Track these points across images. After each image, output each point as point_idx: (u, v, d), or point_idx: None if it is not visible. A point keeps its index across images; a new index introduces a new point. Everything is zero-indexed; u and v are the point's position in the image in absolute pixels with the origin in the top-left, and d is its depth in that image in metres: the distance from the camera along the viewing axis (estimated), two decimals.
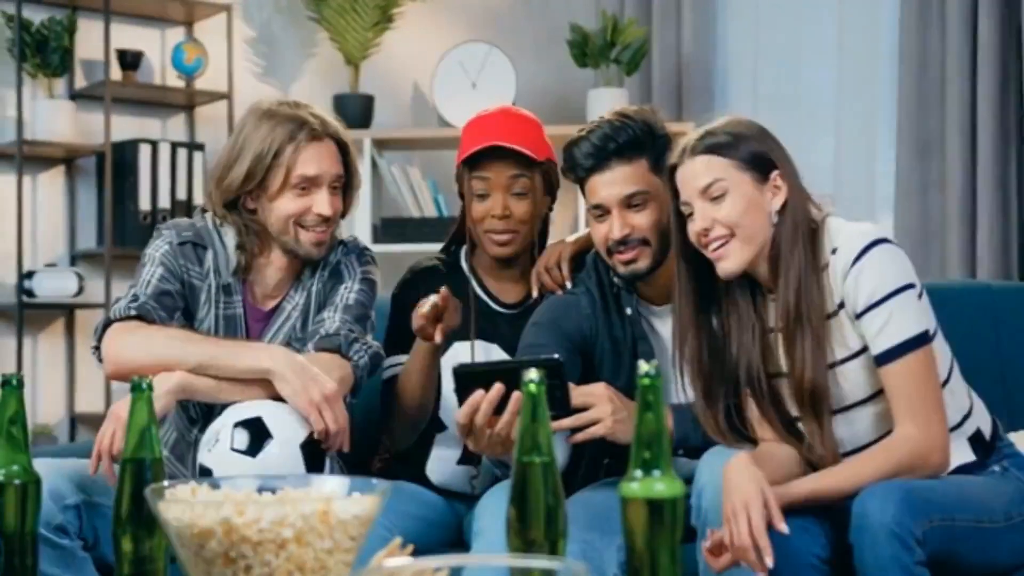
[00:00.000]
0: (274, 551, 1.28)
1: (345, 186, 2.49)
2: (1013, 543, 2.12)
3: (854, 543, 2.02)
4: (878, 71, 4.56)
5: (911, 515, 1.99)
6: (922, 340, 2.12)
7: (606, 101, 4.46)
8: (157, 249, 2.43)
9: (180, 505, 1.31)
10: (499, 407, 2.04)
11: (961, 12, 4.20)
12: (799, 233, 2.16)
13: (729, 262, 2.17)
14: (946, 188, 4.24)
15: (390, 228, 4.56)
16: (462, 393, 2.05)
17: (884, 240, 2.16)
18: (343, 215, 2.50)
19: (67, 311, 4.40)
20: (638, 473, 1.28)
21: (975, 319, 2.76)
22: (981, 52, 4.17)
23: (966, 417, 2.25)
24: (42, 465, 2.18)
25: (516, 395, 2.01)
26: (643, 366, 1.30)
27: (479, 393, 2.04)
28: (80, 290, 4.24)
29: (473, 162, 2.52)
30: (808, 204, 2.22)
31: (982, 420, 2.28)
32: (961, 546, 2.06)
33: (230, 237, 2.46)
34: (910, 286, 2.14)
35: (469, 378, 2.06)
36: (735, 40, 4.93)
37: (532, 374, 1.36)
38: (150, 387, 1.55)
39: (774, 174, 2.18)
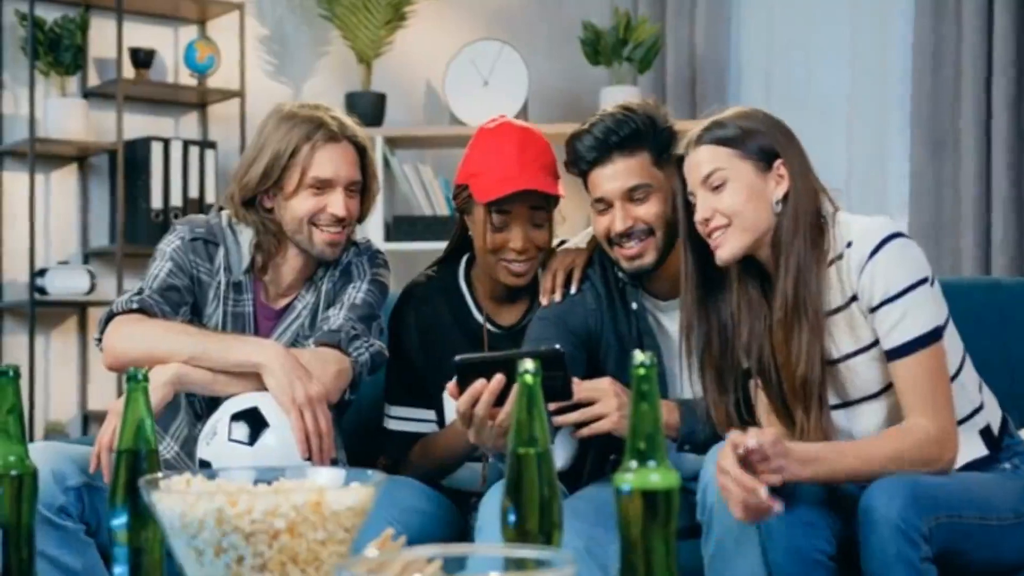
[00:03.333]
0: (267, 542, 1.27)
1: (363, 190, 2.49)
2: (1022, 541, 2.10)
3: (860, 539, 2.01)
4: (892, 68, 4.54)
5: (917, 511, 1.97)
6: (934, 336, 2.11)
7: (619, 99, 4.40)
8: (169, 244, 2.46)
9: (173, 496, 1.30)
10: (500, 398, 2.04)
11: (976, 8, 4.18)
12: (801, 224, 2.15)
13: (725, 249, 2.17)
14: (960, 185, 4.22)
15: (402, 226, 4.56)
16: (463, 384, 2.05)
17: (899, 234, 2.14)
18: (360, 219, 2.51)
19: (79, 309, 4.41)
20: (633, 464, 1.27)
21: (985, 315, 2.73)
22: (996, 48, 4.15)
23: (977, 410, 2.23)
24: (44, 447, 2.22)
25: (517, 386, 2.00)
26: (638, 356, 1.28)
27: (480, 383, 2.03)
28: (92, 288, 4.25)
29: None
30: (820, 196, 2.20)
31: (992, 415, 2.26)
32: (968, 543, 2.04)
33: (245, 236, 2.47)
34: (924, 280, 2.13)
35: (470, 369, 2.05)
36: (748, 38, 4.91)
37: (528, 364, 1.35)
38: (146, 378, 1.54)
39: (777, 163, 2.17)
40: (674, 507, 1.27)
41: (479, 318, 2.60)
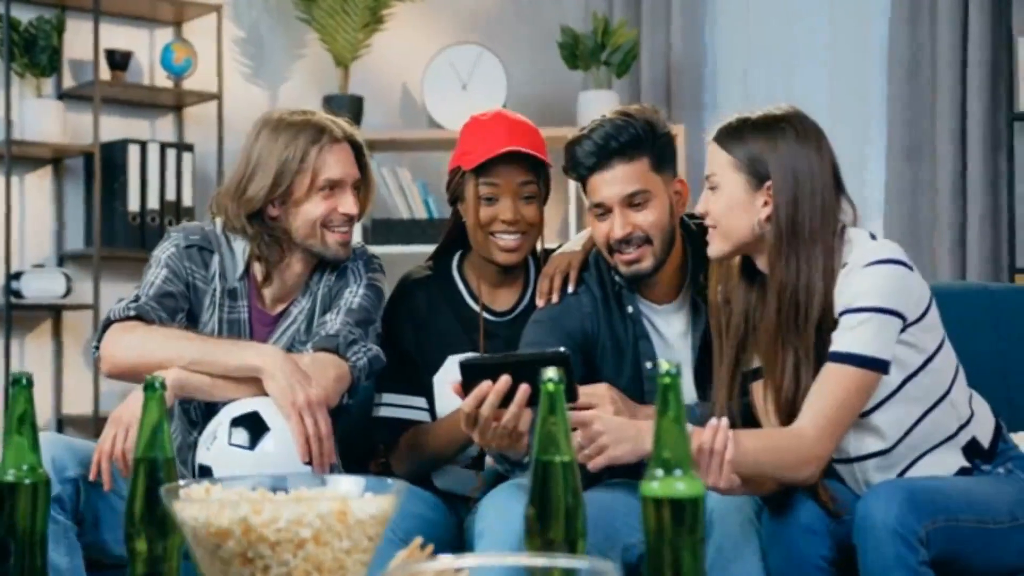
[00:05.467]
0: (292, 551, 1.27)
1: (361, 187, 2.51)
2: (1019, 544, 2.12)
3: (857, 543, 2.02)
4: (868, 74, 4.57)
5: (914, 515, 1.99)
6: (870, 364, 2.08)
7: (596, 103, 4.46)
8: (164, 251, 2.46)
9: (196, 505, 1.29)
10: (505, 399, 2.04)
11: (951, 14, 4.21)
12: (785, 247, 2.14)
13: (711, 248, 2.23)
14: (936, 191, 4.26)
15: (380, 230, 4.56)
16: (468, 385, 2.05)
17: (899, 262, 2.12)
18: (360, 216, 2.53)
19: (55, 312, 4.37)
20: (659, 472, 1.27)
21: (975, 321, 2.76)
22: (971, 55, 4.18)
23: (962, 427, 2.24)
24: (46, 437, 2.19)
25: (523, 388, 2.01)
26: (664, 364, 1.28)
27: (486, 384, 2.03)
28: (68, 291, 4.21)
29: (481, 168, 2.49)
30: (829, 216, 2.17)
31: (980, 429, 2.26)
32: (966, 547, 2.06)
33: (239, 242, 2.48)
34: (899, 315, 2.10)
35: (476, 370, 2.05)
36: (725, 42, 4.93)
37: (551, 372, 1.35)
38: (163, 386, 1.53)
39: (767, 184, 2.17)
40: (700, 515, 1.28)
41: (473, 305, 2.61)
